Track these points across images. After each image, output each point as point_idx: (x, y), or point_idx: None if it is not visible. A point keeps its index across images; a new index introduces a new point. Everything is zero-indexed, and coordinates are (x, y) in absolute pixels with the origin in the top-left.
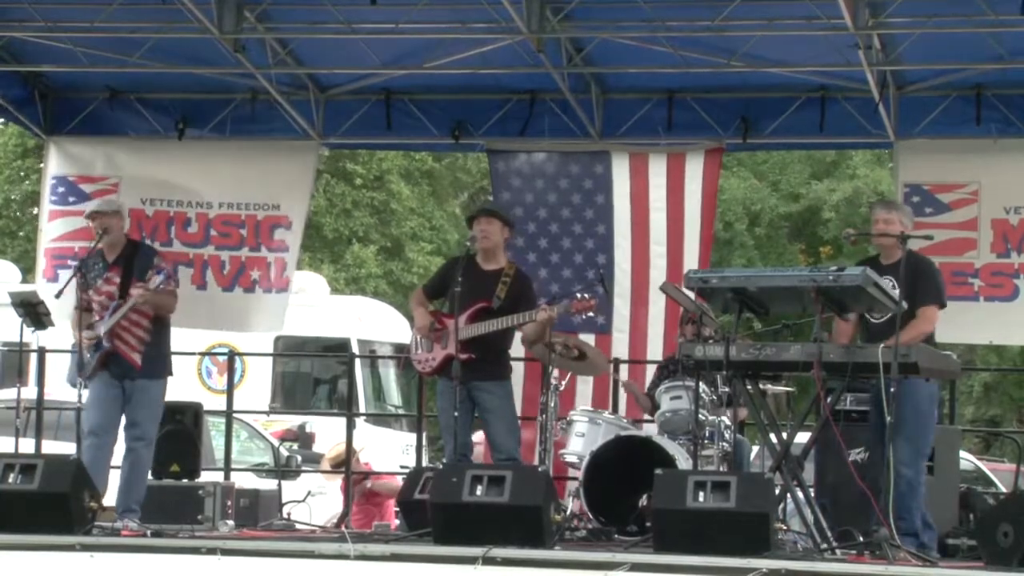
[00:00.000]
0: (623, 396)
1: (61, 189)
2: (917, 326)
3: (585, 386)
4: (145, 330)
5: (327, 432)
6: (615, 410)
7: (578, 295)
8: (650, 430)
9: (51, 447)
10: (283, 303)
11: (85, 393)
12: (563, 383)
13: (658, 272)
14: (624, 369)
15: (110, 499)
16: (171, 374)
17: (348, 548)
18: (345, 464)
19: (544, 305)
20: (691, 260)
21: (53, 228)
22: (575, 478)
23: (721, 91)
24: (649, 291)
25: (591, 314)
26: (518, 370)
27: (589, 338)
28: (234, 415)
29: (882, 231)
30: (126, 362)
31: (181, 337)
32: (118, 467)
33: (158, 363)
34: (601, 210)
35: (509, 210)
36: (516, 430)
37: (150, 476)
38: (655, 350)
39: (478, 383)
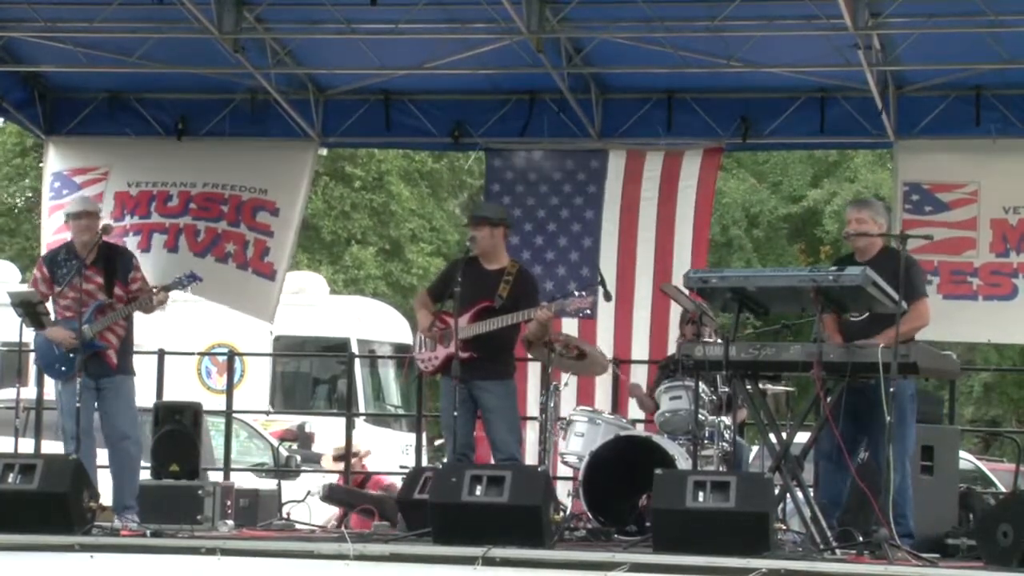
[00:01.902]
0: (610, 393)
1: (57, 184)
2: (910, 320)
3: (570, 382)
4: (124, 328)
5: (326, 432)
6: (615, 409)
7: (576, 292)
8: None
9: (50, 447)
10: (266, 291)
11: (58, 385)
12: (563, 383)
13: (644, 261)
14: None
15: (104, 499)
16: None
17: (347, 548)
18: (345, 461)
19: (544, 304)
20: (681, 257)
21: (51, 223)
22: (574, 478)
23: (720, 91)
24: (634, 280)
25: (588, 312)
26: None
27: (572, 324)
28: (233, 415)
29: (856, 230)
30: (104, 361)
31: (181, 337)
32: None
33: (128, 360)
34: (592, 199)
35: (510, 211)
36: (517, 430)
37: (149, 476)
38: (640, 338)
39: (479, 382)
